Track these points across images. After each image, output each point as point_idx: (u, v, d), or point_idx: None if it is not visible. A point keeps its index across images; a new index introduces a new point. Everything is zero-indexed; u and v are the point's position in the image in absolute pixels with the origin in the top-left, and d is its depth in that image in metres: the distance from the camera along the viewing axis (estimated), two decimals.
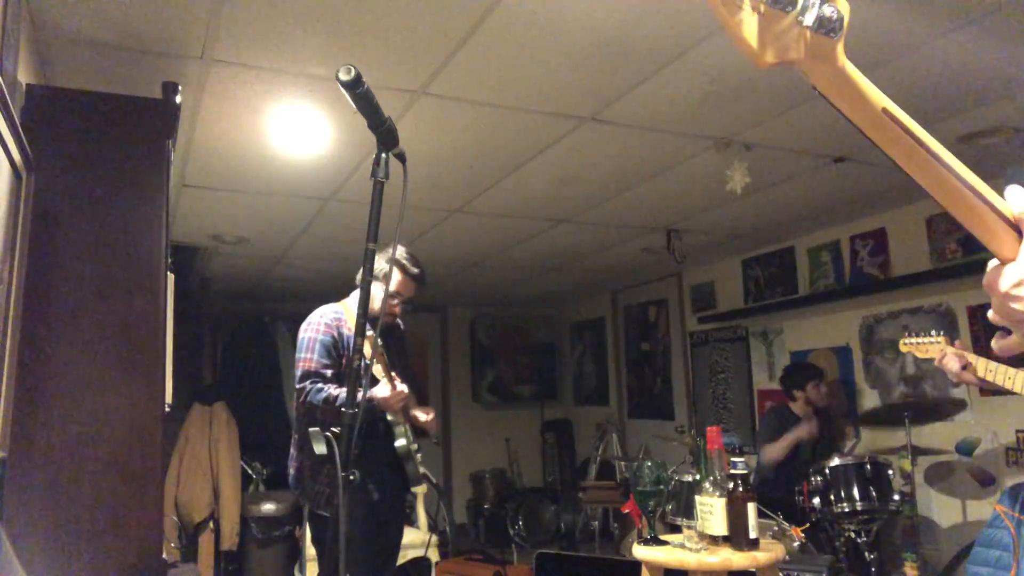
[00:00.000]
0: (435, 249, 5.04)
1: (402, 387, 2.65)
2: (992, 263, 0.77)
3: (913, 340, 2.79)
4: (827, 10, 0.73)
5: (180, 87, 2.07)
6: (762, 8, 0.72)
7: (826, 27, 0.73)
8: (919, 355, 2.77)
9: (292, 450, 2.82)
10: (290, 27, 2.16)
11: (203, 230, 4.36)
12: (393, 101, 2.64)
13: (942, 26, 2.25)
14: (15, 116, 1.54)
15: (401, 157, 1.55)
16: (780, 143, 3.21)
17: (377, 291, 2.76)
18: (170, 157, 2.02)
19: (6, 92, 1.43)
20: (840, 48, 0.75)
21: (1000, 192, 0.80)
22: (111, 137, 1.93)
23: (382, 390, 2.60)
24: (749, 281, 5.55)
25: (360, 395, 1.55)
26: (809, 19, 0.73)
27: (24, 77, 1.93)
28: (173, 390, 2.20)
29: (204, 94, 2.56)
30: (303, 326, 2.79)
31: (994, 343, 0.91)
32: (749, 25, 0.72)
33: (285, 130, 2.89)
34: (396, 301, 2.84)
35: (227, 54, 2.30)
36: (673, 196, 3.99)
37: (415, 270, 2.73)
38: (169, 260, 2.06)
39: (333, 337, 2.73)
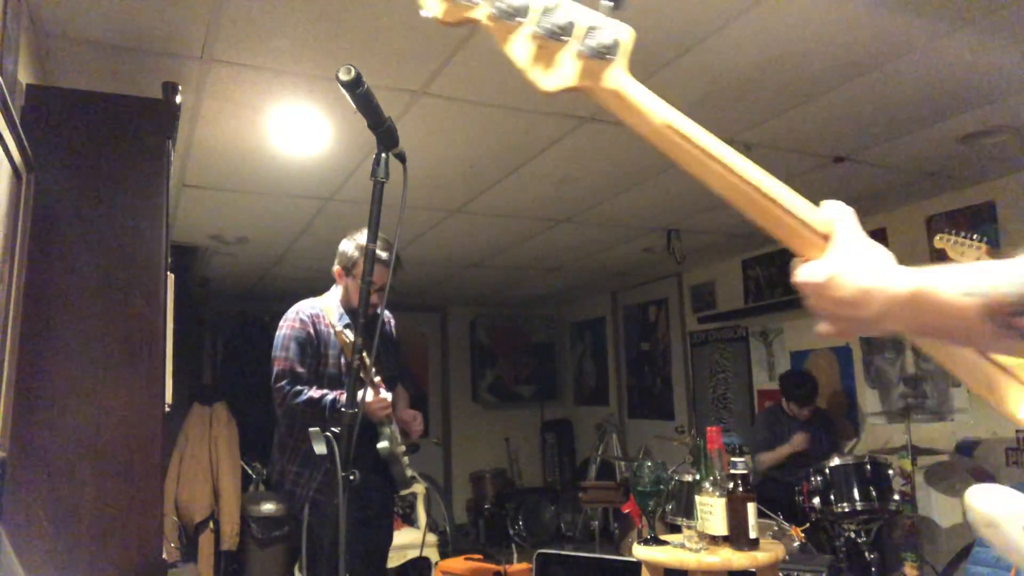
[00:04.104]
0: (435, 249, 5.04)
1: (386, 395, 2.56)
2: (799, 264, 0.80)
3: (951, 237, 2.46)
4: (602, 36, 0.77)
5: (180, 87, 2.07)
6: (540, 40, 0.77)
7: (601, 52, 0.77)
8: (952, 255, 2.47)
9: (274, 452, 2.72)
10: (290, 27, 2.16)
11: (203, 230, 4.36)
12: (393, 101, 2.64)
13: (942, 26, 2.25)
14: (15, 116, 1.54)
15: (401, 157, 1.55)
16: (780, 143, 3.21)
17: (351, 285, 2.65)
18: (170, 157, 2.02)
19: (6, 92, 1.43)
20: (617, 70, 0.79)
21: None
22: (111, 137, 1.93)
23: (366, 396, 2.53)
24: (749, 281, 5.55)
25: (359, 395, 1.53)
26: (583, 46, 0.77)
27: (24, 77, 1.93)
28: (173, 390, 2.19)
29: (204, 94, 2.56)
30: (280, 322, 2.68)
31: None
32: (529, 54, 0.77)
33: (285, 130, 2.89)
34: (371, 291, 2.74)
35: (227, 54, 2.30)
36: (673, 196, 3.99)
37: (384, 255, 2.43)
38: (169, 260, 2.06)
39: (308, 334, 2.61)
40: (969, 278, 0.67)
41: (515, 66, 0.78)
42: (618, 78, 0.79)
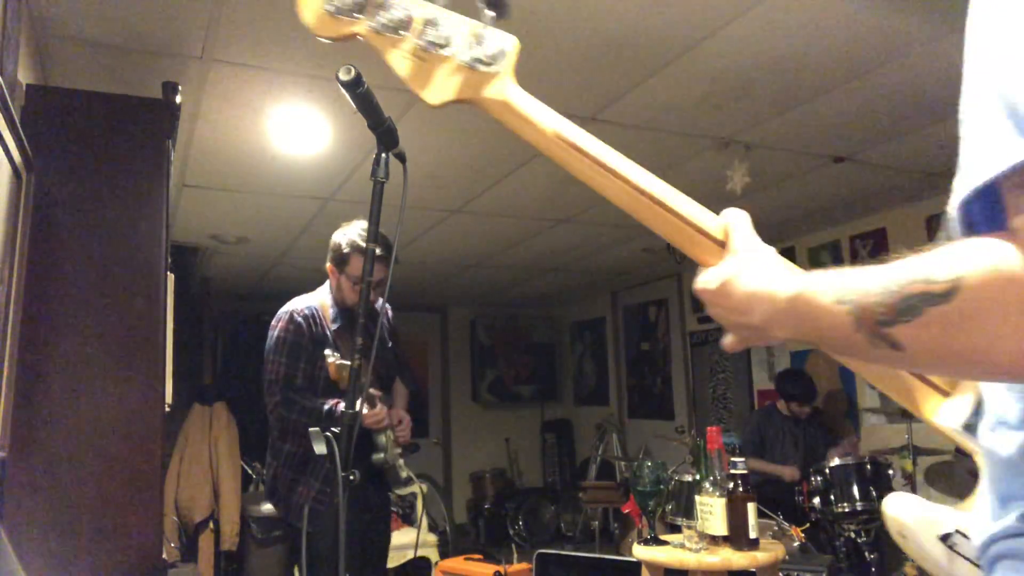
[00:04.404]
0: (435, 249, 5.04)
1: (381, 407, 2.50)
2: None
3: None
4: (484, 48, 0.77)
5: (180, 87, 2.07)
6: (421, 54, 0.77)
7: (484, 63, 0.77)
8: None
9: (268, 456, 2.65)
10: (290, 27, 2.16)
11: (203, 230, 4.36)
12: (393, 101, 2.62)
13: (942, 26, 2.25)
14: (15, 116, 1.54)
15: (401, 157, 1.55)
16: (780, 143, 3.21)
17: (344, 282, 2.54)
18: (170, 157, 2.02)
19: (6, 92, 1.43)
20: (502, 81, 0.78)
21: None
22: (111, 137, 1.93)
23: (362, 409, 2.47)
24: None
25: (357, 401, 1.52)
26: (465, 59, 0.77)
27: (24, 77, 1.93)
28: (173, 390, 2.19)
29: (204, 94, 2.56)
30: (273, 320, 2.58)
31: None
32: (410, 68, 0.78)
33: (285, 130, 2.89)
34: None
35: (227, 54, 2.30)
36: None
37: (377, 251, 2.37)
38: (169, 260, 2.05)
39: (303, 336, 2.52)
40: (844, 283, 0.61)
41: (398, 78, 0.78)
42: (504, 89, 0.78)
